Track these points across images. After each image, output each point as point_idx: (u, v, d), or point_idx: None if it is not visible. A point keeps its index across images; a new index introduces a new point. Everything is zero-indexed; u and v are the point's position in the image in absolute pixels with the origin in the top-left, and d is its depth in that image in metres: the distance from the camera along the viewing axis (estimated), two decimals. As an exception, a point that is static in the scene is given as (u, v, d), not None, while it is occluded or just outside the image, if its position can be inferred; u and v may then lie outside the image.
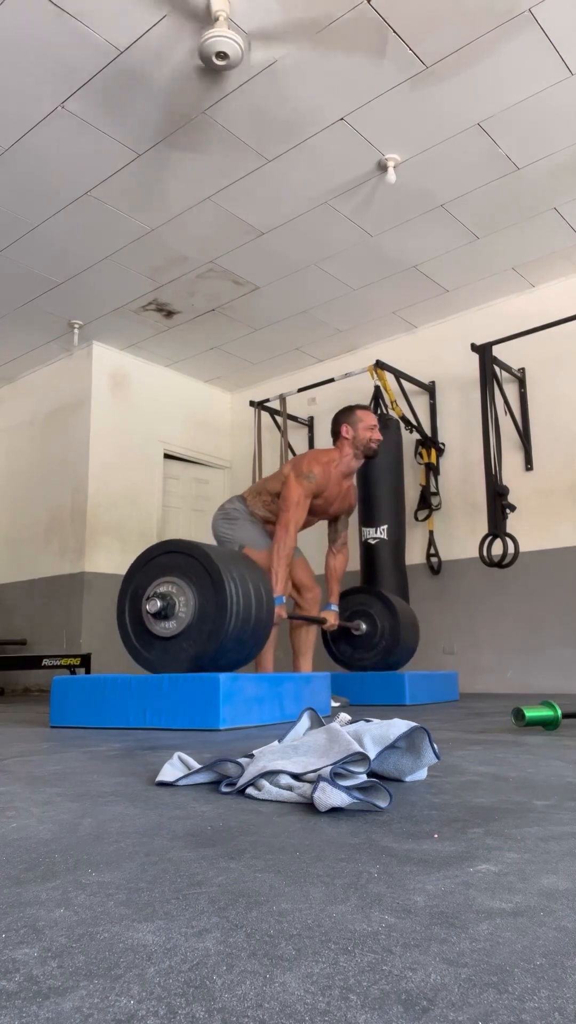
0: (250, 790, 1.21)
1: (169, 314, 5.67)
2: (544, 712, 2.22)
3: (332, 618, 3.89)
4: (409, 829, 0.95)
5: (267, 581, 2.91)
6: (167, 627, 2.69)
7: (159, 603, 2.65)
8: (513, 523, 4.91)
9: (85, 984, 0.50)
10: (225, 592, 2.61)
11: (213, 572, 2.66)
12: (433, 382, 5.76)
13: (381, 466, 5.07)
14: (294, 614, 3.79)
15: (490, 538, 4.65)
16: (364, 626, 4.16)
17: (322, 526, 4.18)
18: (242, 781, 1.23)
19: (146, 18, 3.08)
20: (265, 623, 2.81)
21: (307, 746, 1.32)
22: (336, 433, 3.79)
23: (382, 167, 4.00)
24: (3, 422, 6.93)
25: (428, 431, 5.67)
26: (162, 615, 2.68)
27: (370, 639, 4.15)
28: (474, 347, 4.91)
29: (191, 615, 2.65)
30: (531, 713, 2.21)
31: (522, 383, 5.31)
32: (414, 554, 5.58)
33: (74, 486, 6.04)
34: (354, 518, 5.30)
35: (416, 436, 5.59)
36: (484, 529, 4.90)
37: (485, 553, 4.64)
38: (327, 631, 4.06)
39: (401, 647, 4.14)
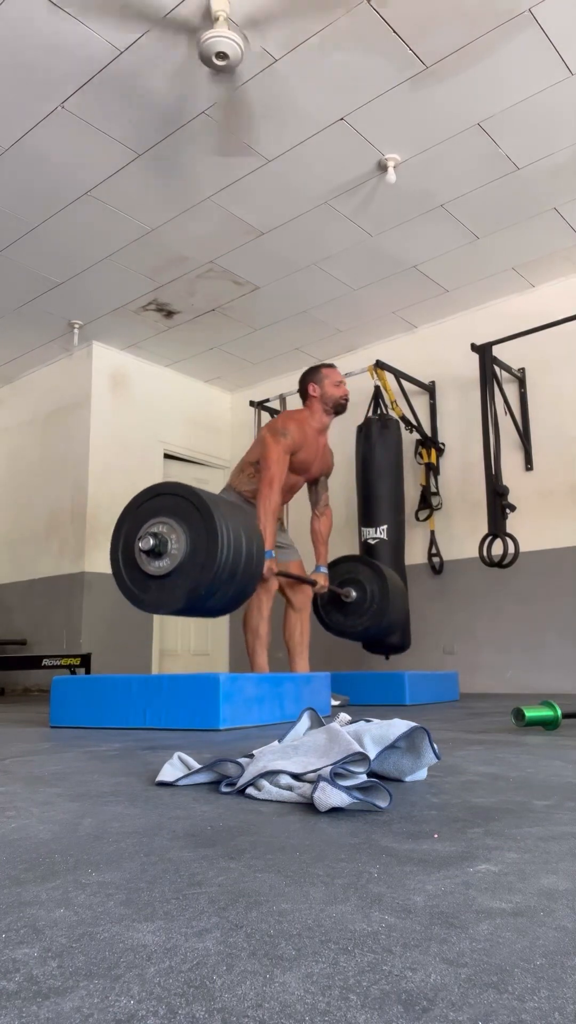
0: (250, 790, 1.21)
1: (169, 314, 5.67)
2: (544, 712, 2.22)
3: (322, 579, 3.96)
4: (409, 829, 0.95)
5: (254, 521, 2.97)
6: (161, 565, 2.75)
7: (152, 540, 2.72)
8: (513, 523, 4.91)
9: (85, 984, 0.50)
10: (215, 524, 2.69)
11: (202, 507, 2.73)
12: (433, 382, 5.76)
13: (381, 466, 5.07)
14: (284, 571, 3.75)
15: (490, 538, 4.65)
16: (354, 593, 4.20)
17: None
18: (242, 781, 1.23)
19: (146, 18, 3.08)
20: (256, 559, 2.86)
21: (307, 746, 1.32)
22: (304, 393, 3.89)
23: (382, 167, 4.00)
24: (3, 422, 6.93)
25: (428, 431, 5.67)
26: (155, 552, 2.74)
27: (360, 605, 4.21)
28: (474, 347, 4.91)
29: (184, 551, 2.71)
30: (531, 713, 2.21)
31: (522, 383, 5.31)
32: (414, 554, 5.58)
33: (74, 486, 6.03)
34: (353, 518, 5.31)
35: (416, 436, 5.59)
36: (484, 529, 4.90)
37: (485, 553, 4.64)
38: (317, 594, 4.09)
39: (391, 610, 4.18)
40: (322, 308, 5.60)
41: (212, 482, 7.06)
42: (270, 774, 1.22)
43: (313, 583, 3.91)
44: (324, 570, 4.00)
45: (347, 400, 3.88)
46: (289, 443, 3.65)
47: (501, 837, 0.90)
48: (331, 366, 3.95)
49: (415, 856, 0.82)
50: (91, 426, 6.01)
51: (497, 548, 4.72)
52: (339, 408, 3.86)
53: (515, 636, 5.13)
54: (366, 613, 4.20)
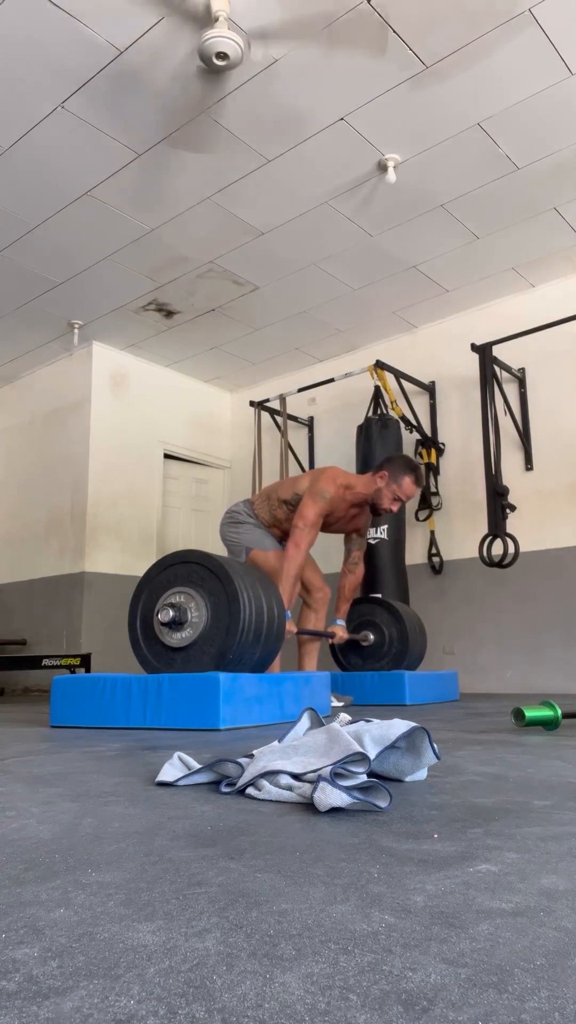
0: (250, 790, 1.21)
1: (169, 314, 5.67)
2: (544, 712, 2.22)
3: (340, 631, 3.97)
4: (409, 829, 0.95)
5: (268, 580, 2.93)
6: (183, 636, 2.70)
7: (172, 612, 2.67)
8: (513, 523, 4.91)
9: (85, 984, 0.50)
10: (235, 586, 2.65)
11: (219, 571, 2.68)
12: (433, 382, 5.76)
13: (381, 466, 5.07)
14: (303, 629, 3.81)
15: (490, 538, 4.65)
16: (372, 636, 4.18)
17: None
18: (242, 781, 1.23)
19: (146, 18, 3.08)
20: (278, 618, 2.82)
21: (307, 746, 1.32)
22: (378, 469, 3.73)
23: (382, 167, 4.00)
24: (3, 422, 6.93)
25: (428, 431, 5.67)
26: (176, 623, 2.69)
27: (379, 649, 4.17)
28: (474, 347, 4.91)
29: (205, 618, 2.67)
30: (531, 713, 2.21)
31: (522, 383, 5.31)
32: (414, 554, 5.58)
33: (74, 486, 6.03)
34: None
35: (416, 436, 5.59)
36: (484, 529, 4.90)
37: (485, 553, 4.64)
38: (335, 644, 4.11)
39: (411, 653, 4.15)
40: (322, 308, 5.60)
41: (212, 482, 7.06)
42: (270, 774, 1.22)
43: (331, 636, 3.93)
44: (342, 623, 4.00)
45: (389, 513, 3.75)
46: (326, 506, 3.58)
47: (501, 837, 0.90)
48: (418, 481, 3.73)
49: (415, 856, 0.82)
50: (91, 426, 6.01)
51: (497, 548, 4.72)
52: (378, 511, 3.71)
53: (515, 636, 5.13)
54: (384, 656, 4.16)
